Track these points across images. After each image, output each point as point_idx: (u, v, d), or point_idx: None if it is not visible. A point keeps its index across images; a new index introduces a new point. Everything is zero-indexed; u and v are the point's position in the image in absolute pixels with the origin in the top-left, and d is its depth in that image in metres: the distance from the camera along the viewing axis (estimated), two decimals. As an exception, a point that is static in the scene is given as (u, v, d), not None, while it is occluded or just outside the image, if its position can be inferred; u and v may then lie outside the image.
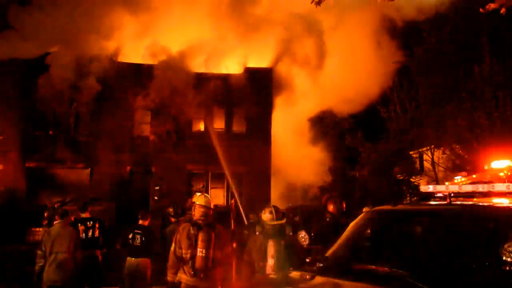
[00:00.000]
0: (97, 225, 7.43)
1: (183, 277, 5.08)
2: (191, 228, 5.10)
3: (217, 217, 5.50)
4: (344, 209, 6.16)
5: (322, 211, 6.67)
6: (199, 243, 4.95)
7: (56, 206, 8.74)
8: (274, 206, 5.18)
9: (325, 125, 21.85)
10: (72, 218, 7.49)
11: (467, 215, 3.54)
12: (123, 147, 17.69)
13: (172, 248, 5.27)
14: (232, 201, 8.58)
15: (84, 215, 7.49)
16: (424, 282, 2.83)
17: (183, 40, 17.58)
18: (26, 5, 16.85)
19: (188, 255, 5.01)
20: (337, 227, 5.44)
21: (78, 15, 16.76)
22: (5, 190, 16.29)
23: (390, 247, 3.95)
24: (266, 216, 5.03)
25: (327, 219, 6.11)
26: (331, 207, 6.08)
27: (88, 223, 7.41)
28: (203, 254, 4.91)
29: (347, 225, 4.22)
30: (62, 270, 6.56)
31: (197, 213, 5.22)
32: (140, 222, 7.44)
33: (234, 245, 8.34)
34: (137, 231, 7.28)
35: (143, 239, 7.22)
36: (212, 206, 5.32)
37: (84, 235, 7.29)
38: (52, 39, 15.92)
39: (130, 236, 7.26)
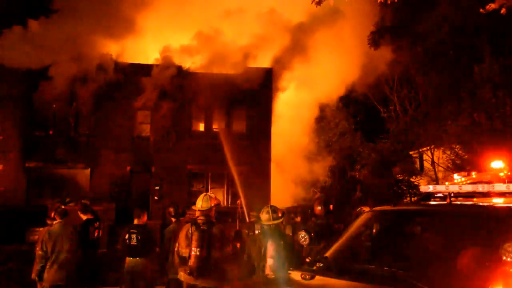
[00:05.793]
0: (102, 226, 7.46)
1: (182, 275, 5.19)
2: (190, 227, 5.16)
3: (218, 217, 5.50)
4: (331, 211, 6.14)
5: (310, 212, 6.67)
6: (193, 242, 5.03)
7: (58, 206, 8.72)
8: (271, 206, 5.22)
9: (326, 125, 21.85)
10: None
11: (467, 215, 3.54)
12: (123, 147, 17.68)
13: (175, 248, 5.38)
14: (239, 201, 8.59)
15: (86, 217, 7.47)
16: (424, 282, 2.83)
17: (183, 39, 17.59)
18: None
19: (187, 254, 5.08)
20: (326, 227, 5.50)
21: (78, 15, 16.75)
22: (5, 190, 16.29)
23: (390, 247, 3.95)
24: (263, 216, 5.09)
25: (312, 220, 6.15)
26: (317, 209, 6.09)
27: (95, 224, 7.45)
28: (197, 253, 4.98)
29: (337, 226, 4.24)
30: (64, 270, 6.56)
31: (196, 213, 5.31)
32: (136, 221, 7.41)
33: (238, 245, 8.36)
34: (132, 230, 7.25)
35: (139, 237, 7.18)
36: (212, 204, 5.32)
37: (92, 235, 7.34)
38: (52, 39, 15.89)
39: (126, 236, 7.25)
